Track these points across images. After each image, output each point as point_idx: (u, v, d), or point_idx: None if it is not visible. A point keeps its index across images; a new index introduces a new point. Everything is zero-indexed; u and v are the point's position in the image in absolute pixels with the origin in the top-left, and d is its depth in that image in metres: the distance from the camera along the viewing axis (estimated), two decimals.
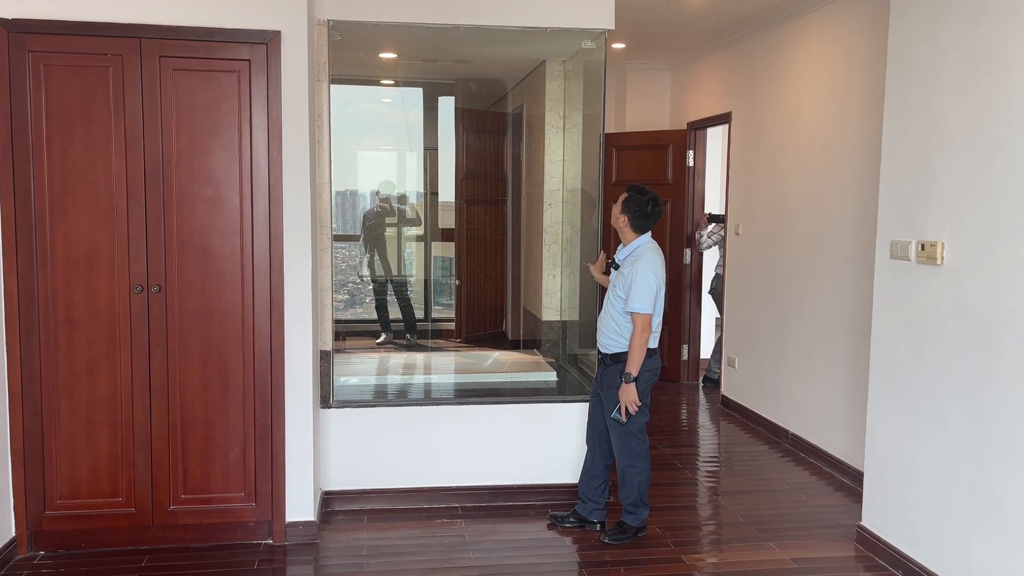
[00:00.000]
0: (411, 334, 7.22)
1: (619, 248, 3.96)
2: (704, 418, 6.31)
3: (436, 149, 7.79)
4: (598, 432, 4.07)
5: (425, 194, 8.14)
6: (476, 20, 4.16)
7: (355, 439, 4.24)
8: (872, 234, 4.58)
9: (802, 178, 5.37)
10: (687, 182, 7.15)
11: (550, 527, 4.09)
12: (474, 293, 6.82)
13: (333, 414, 4.21)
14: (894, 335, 3.64)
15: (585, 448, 4.19)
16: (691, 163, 7.14)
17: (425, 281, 8.71)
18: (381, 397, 4.52)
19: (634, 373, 3.77)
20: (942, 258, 3.32)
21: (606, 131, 5.31)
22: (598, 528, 4.06)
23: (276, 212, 3.72)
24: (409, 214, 7.90)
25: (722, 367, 6.65)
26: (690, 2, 5.27)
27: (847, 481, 4.76)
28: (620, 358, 3.87)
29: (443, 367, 5.29)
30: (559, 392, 4.68)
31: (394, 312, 7.54)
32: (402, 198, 7.97)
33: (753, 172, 6.05)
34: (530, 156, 5.81)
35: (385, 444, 4.26)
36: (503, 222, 6.56)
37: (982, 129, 3.13)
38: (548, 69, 5.20)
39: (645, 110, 7.51)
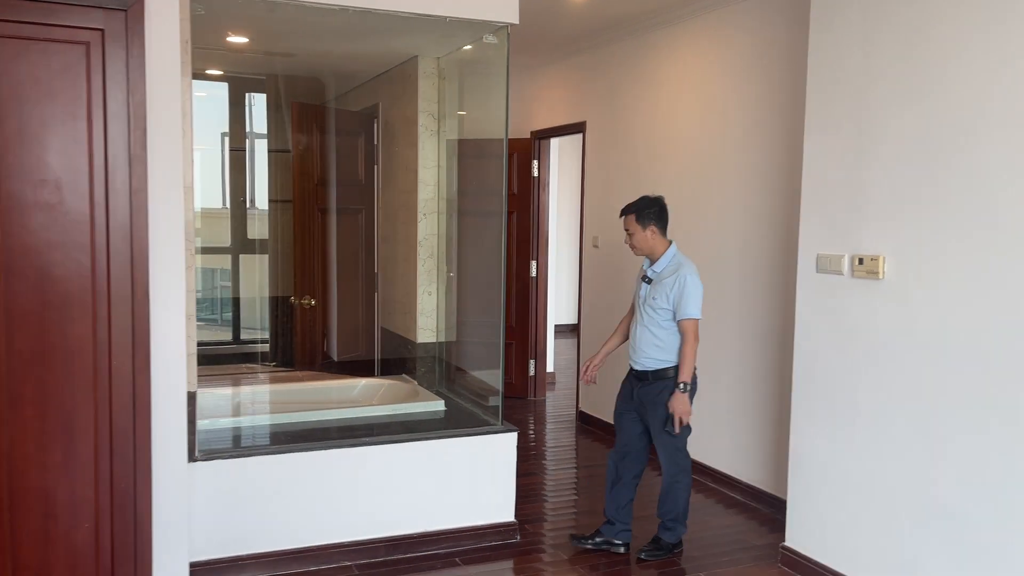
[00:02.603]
0: None
1: (646, 264, 3.88)
2: (565, 436, 6.08)
3: (244, 150, 7.04)
4: (629, 450, 3.95)
5: (239, 200, 7.30)
6: (368, 4, 3.61)
7: (225, 497, 3.52)
8: (759, 244, 4.56)
9: (674, 188, 5.27)
10: (532, 193, 6.91)
11: (573, 547, 3.98)
12: (303, 312, 6.07)
13: (199, 469, 3.46)
14: (824, 351, 3.56)
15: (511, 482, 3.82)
16: (536, 173, 6.91)
17: (235, 300, 7.82)
18: (247, 442, 3.81)
19: (688, 380, 3.69)
20: (884, 272, 3.27)
21: (450, 138, 4.94)
22: (622, 550, 3.94)
23: (140, 223, 2.96)
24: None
25: (578, 384, 6.47)
26: (548, 9, 4.99)
27: (739, 497, 4.70)
28: (661, 374, 3.78)
29: (310, 400, 4.61)
30: (449, 423, 4.21)
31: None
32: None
33: (614, 182, 5.91)
34: (391, 160, 5.27)
35: (261, 500, 3.58)
36: (357, 234, 5.92)
37: (927, 142, 3.11)
38: (421, 66, 4.72)
39: (480, 117, 7.17)
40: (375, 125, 5.44)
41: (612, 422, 5.92)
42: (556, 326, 8.15)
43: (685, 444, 3.88)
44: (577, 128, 6.35)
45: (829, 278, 3.53)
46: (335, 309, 5.76)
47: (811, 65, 3.61)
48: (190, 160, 3.38)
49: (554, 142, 7.05)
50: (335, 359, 6.17)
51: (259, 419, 4.04)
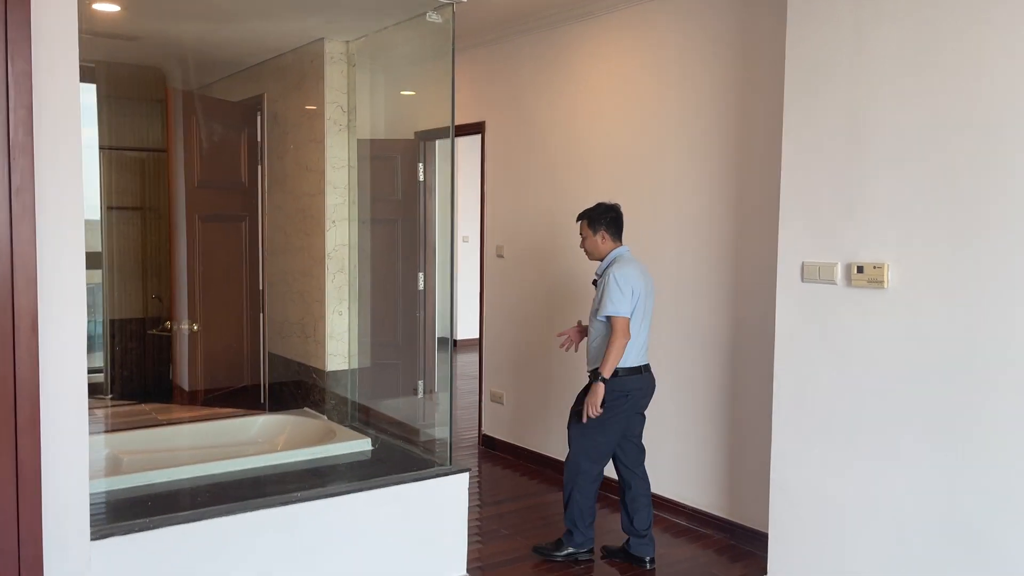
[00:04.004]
0: None
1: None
2: (470, 464, 5.57)
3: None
4: (614, 457, 3.88)
5: None
6: None
7: None
8: (698, 251, 4.30)
9: (593, 194, 4.92)
10: (418, 198, 6.35)
11: (603, 559, 3.93)
12: (180, 339, 5.23)
13: (93, 550, 2.68)
14: (813, 368, 3.30)
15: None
16: (421, 178, 6.36)
17: None
18: (144, 509, 3.03)
19: (606, 375, 3.59)
20: (888, 281, 3.05)
21: (361, 137, 4.38)
22: (647, 565, 3.83)
23: (24, 233, 2.20)
24: None
25: (481, 404, 5.99)
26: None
27: (685, 523, 4.39)
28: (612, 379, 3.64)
29: (201, 445, 3.82)
30: (381, 465, 3.61)
31: None
32: None
33: (522, 187, 5.49)
34: (282, 160, 4.56)
35: None
36: (239, 245, 5.12)
37: (939, 141, 2.90)
38: (327, 50, 4.07)
39: (398, 111, 6.54)
40: (258, 119, 4.71)
41: (531, 446, 5.53)
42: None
43: (599, 452, 3.76)
44: (475, 129, 5.88)
45: (818, 288, 3.28)
46: (208, 333, 4.95)
47: (790, 51, 3.35)
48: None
49: (439, 144, 6.53)
50: (186, 388, 5.37)
51: (151, 476, 3.26)
